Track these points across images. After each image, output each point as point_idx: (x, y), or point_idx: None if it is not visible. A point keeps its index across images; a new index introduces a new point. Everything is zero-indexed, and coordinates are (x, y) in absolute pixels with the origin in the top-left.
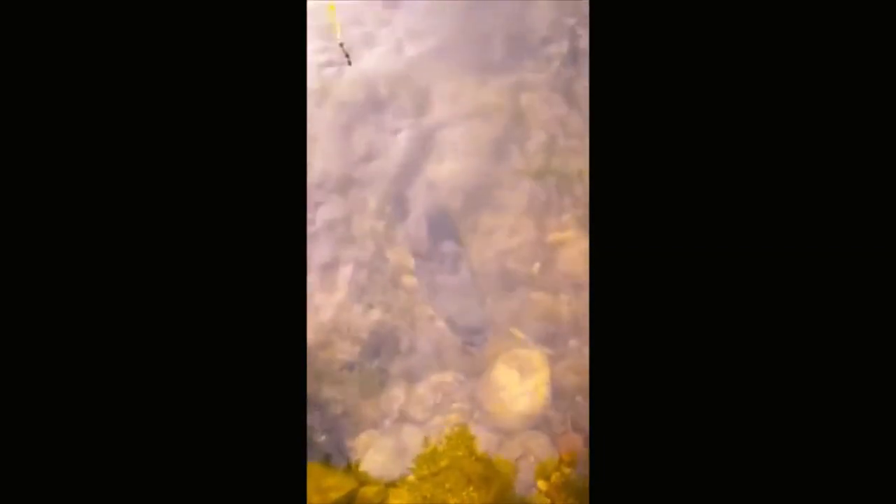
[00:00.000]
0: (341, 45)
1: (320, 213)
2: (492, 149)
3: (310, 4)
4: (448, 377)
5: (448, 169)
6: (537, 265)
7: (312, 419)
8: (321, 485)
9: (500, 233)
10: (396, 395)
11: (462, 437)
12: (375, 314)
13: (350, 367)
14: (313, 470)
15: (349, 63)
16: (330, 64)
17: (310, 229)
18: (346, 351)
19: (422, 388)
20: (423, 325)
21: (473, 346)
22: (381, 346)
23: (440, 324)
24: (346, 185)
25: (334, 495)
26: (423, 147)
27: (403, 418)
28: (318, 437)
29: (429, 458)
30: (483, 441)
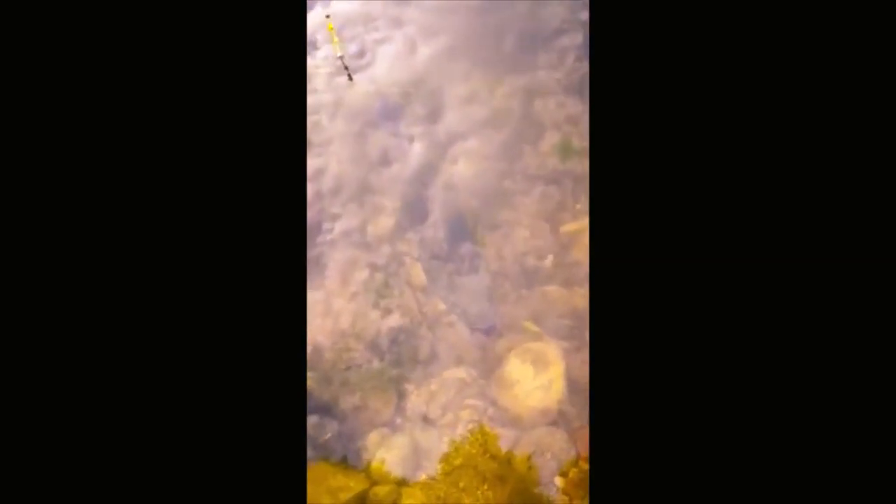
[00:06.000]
0: (340, 57)
1: (338, 219)
2: (506, 149)
3: (318, 17)
4: (461, 373)
5: (464, 171)
6: (550, 257)
7: (323, 419)
8: (331, 485)
9: (516, 229)
10: (408, 393)
11: (476, 435)
12: (392, 315)
13: (361, 366)
14: (323, 470)
15: (350, 78)
16: (341, 73)
17: (327, 236)
18: (358, 350)
19: (434, 385)
20: (436, 324)
21: (485, 335)
22: (393, 345)
23: (452, 318)
24: (362, 191)
25: (345, 496)
26: (438, 151)
27: (415, 416)
28: (325, 436)
29: (442, 456)
30: (497, 438)
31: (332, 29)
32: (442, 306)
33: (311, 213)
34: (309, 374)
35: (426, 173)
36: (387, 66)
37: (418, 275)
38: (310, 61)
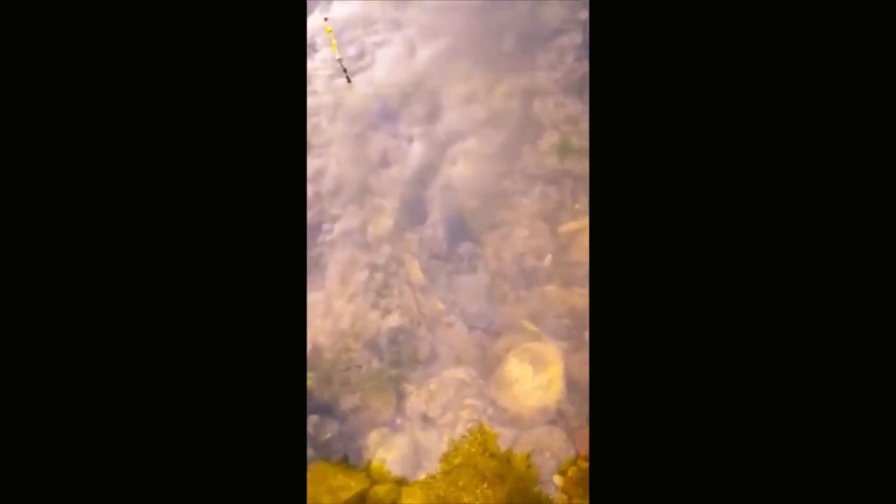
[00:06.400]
0: (339, 60)
1: (337, 220)
2: (505, 149)
3: (318, 20)
4: (460, 373)
5: (463, 171)
6: (549, 257)
7: (323, 419)
8: (332, 484)
9: (515, 229)
10: (408, 393)
11: (475, 434)
12: (391, 315)
13: (361, 366)
14: (324, 470)
15: (348, 80)
16: (341, 75)
17: (327, 237)
18: (357, 350)
19: (434, 385)
20: (436, 324)
21: (485, 333)
22: (393, 345)
23: (452, 318)
24: (361, 192)
25: (345, 495)
26: (438, 151)
27: (415, 416)
28: (325, 435)
29: (442, 456)
30: (496, 437)
31: (330, 31)
32: (441, 306)
33: (311, 214)
34: (309, 374)
35: (425, 174)
36: (386, 69)
37: (417, 274)
38: (309, 63)
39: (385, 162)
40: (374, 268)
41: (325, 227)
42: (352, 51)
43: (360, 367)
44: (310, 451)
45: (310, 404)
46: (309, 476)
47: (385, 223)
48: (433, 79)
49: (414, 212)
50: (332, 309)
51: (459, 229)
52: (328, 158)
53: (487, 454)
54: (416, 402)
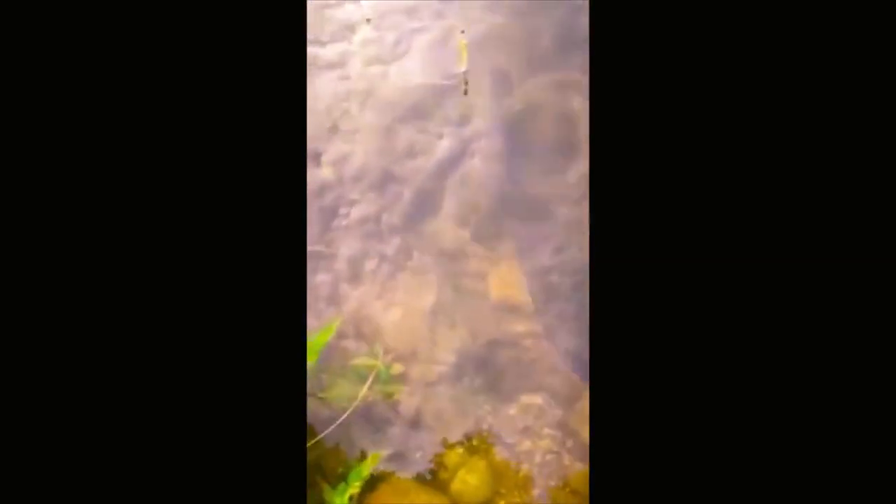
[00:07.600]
0: (464, 72)
1: (354, 208)
2: (531, 148)
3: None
4: (538, 399)
5: (485, 169)
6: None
7: (403, 433)
8: (415, 501)
9: (535, 242)
10: (484, 415)
11: (553, 468)
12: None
13: (440, 382)
14: (409, 486)
15: (466, 92)
16: (378, 61)
17: (342, 222)
18: (439, 363)
19: (513, 410)
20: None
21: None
22: (475, 361)
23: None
24: (383, 181)
25: None
26: (463, 147)
27: (492, 439)
28: (413, 453)
29: (521, 484)
30: (577, 472)
31: (463, 45)
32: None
33: (329, 199)
34: (402, 388)
35: (448, 168)
36: (421, 60)
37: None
38: (346, 46)
39: (410, 153)
40: (382, 258)
41: (341, 212)
42: (390, 38)
43: (440, 382)
44: (397, 465)
45: (390, 417)
46: (396, 489)
47: (401, 213)
48: (468, 74)
49: (432, 203)
50: (337, 295)
51: (478, 225)
52: (354, 145)
53: (568, 490)
54: (493, 424)
